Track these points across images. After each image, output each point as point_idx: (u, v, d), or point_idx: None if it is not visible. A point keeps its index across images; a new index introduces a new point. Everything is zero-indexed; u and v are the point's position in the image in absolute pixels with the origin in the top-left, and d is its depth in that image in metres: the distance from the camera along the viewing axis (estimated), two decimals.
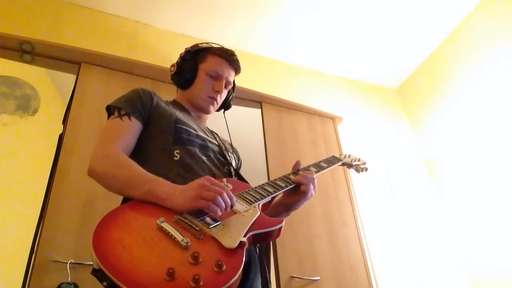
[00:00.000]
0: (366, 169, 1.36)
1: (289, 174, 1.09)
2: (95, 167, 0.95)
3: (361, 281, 2.10)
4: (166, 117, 1.10)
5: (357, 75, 3.42)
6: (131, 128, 1.04)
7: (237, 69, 1.29)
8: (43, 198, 1.71)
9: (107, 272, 0.63)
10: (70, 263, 1.51)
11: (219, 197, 0.78)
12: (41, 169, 2.02)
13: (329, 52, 3.18)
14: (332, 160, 1.28)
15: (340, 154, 1.37)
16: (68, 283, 1.46)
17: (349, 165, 1.37)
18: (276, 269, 1.95)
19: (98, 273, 0.65)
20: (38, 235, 1.59)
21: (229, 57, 1.25)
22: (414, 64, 3.38)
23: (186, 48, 1.28)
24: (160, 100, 1.15)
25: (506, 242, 2.42)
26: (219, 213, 0.78)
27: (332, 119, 2.78)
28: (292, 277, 1.95)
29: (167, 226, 0.74)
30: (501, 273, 2.43)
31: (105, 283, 0.63)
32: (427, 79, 3.28)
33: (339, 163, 1.30)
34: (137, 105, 1.07)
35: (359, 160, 1.38)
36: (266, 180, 1.05)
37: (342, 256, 2.14)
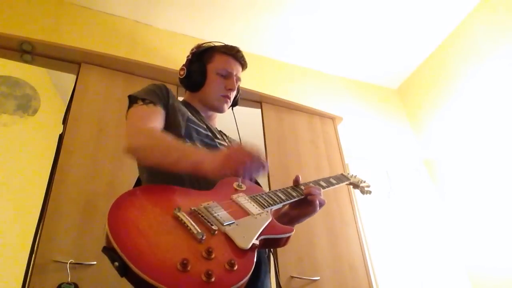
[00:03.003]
0: (370, 192, 1.42)
1: (300, 185, 1.10)
2: (135, 142, 0.96)
3: (361, 281, 2.10)
4: (180, 113, 1.11)
5: (357, 75, 3.42)
6: (158, 112, 1.07)
7: (243, 65, 1.29)
8: (43, 198, 1.71)
9: (119, 251, 0.62)
10: (70, 263, 1.51)
11: (256, 155, 0.82)
12: (41, 169, 2.02)
13: (329, 52, 3.18)
14: (341, 178, 1.31)
15: (348, 173, 1.41)
16: (68, 283, 1.46)
17: (356, 186, 1.41)
18: (276, 269, 1.95)
19: (109, 252, 0.63)
20: (38, 235, 1.59)
21: (236, 54, 1.26)
22: (414, 64, 3.38)
23: (191, 50, 1.28)
24: (174, 97, 1.17)
25: (506, 242, 2.42)
26: (247, 176, 0.82)
27: (332, 119, 2.78)
28: (292, 277, 1.95)
29: (183, 216, 0.73)
30: (501, 273, 2.43)
31: (116, 263, 0.61)
32: (427, 79, 3.28)
33: (347, 182, 1.33)
34: (159, 95, 1.11)
35: (364, 182, 1.43)
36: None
37: (342, 256, 2.14)
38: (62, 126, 1.92)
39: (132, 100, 1.09)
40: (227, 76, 1.23)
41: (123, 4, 2.65)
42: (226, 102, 1.24)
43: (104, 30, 2.57)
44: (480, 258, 2.59)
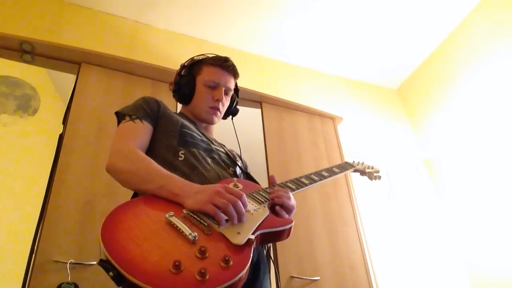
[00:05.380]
0: (379, 177, 1.39)
1: (300, 177, 1.09)
2: (115, 163, 0.96)
3: (361, 281, 2.10)
4: (172, 122, 1.12)
5: (357, 75, 3.42)
6: (144, 129, 1.07)
7: (234, 75, 1.28)
8: (43, 198, 1.71)
9: (113, 262, 0.63)
10: (70, 263, 1.51)
11: (231, 206, 0.78)
12: (41, 169, 2.02)
13: (329, 52, 3.18)
14: (345, 166, 1.29)
15: (353, 161, 1.38)
16: (68, 283, 1.46)
17: (362, 172, 1.39)
18: (276, 269, 1.95)
19: (104, 263, 0.65)
20: (38, 235, 1.59)
21: (223, 64, 1.24)
22: (414, 64, 3.38)
23: (181, 64, 1.30)
24: (166, 108, 1.18)
25: (506, 242, 2.42)
26: (224, 223, 0.77)
27: (332, 119, 2.78)
28: (292, 277, 1.95)
29: (175, 220, 0.74)
30: (501, 272, 2.43)
31: (111, 273, 0.63)
32: (427, 79, 3.28)
33: (352, 170, 1.31)
34: (146, 110, 1.11)
35: (372, 168, 1.40)
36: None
37: (342, 256, 2.14)
38: (62, 126, 1.92)
39: (120, 116, 1.10)
40: (215, 87, 1.22)
41: (123, 4, 2.65)
42: (215, 114, 1.23)
43: (104, 30, 2.57)
44: (480, 258, 2.59)
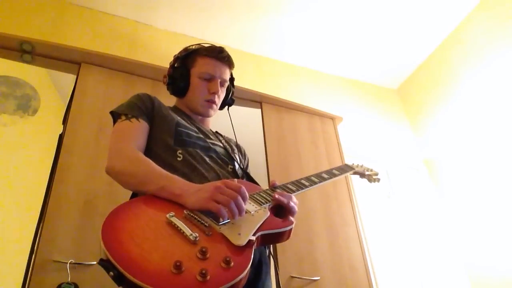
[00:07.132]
0: (378, 180, 1.38)
1: (300, 179, 1.09)
2: (114, 165, 0.95)
3: (361, 281, 2.09)
4: (167, 120, 1.11)
5: (357, 75, 3.42)
6: (141, 128, 1.05)
7: (230, 65, 1.25)
8: (43, 198, 1.71)
9: (114, 262, 0.63)
10: (70, 263, 1.51)
11: (232, 203, 0.78)
12: (41, 169, 2.02)
13: (329, 52, 3.18)
14: (344, 168, 1.28)
15: (353, 163, 1.37)
16: (68, 283, 1.46)
17: (362, 174, 1.38)
18: (276, 269, 1.95)
19: (105, 263, 0.65)
20: (38, 235, 1.59)
21: (218, 55, 1.20)
22: (414, 64, 3.38)
23: (175, 55, 1.27)
24: (161, 104, 1.16)
25: (506, 242, 2.42)
26: (226, 219, 0.78)
27: (332, 119, 2.78)
28: (292, 277, 1.94)
29: (176, 221, 0.74)
30: (501, 272, 2.43)
31: (111, 273, 0.63)
32: (427, 79, 3.28)
33: (351, 172, 1.31)
34: (141, 108, 1.09)
35: (371, 170, 1.40)
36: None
37: (342, 256, 2.14)
38: (62, 126, 1.92)
39: (115, 116, 1.08)
40: (210, 80, 1.19)
41: (124, 4, 2.65)
42: (211, 107, 1.21)
43: (104, 30, 2.57)
44: (480, 258, 2.59)
